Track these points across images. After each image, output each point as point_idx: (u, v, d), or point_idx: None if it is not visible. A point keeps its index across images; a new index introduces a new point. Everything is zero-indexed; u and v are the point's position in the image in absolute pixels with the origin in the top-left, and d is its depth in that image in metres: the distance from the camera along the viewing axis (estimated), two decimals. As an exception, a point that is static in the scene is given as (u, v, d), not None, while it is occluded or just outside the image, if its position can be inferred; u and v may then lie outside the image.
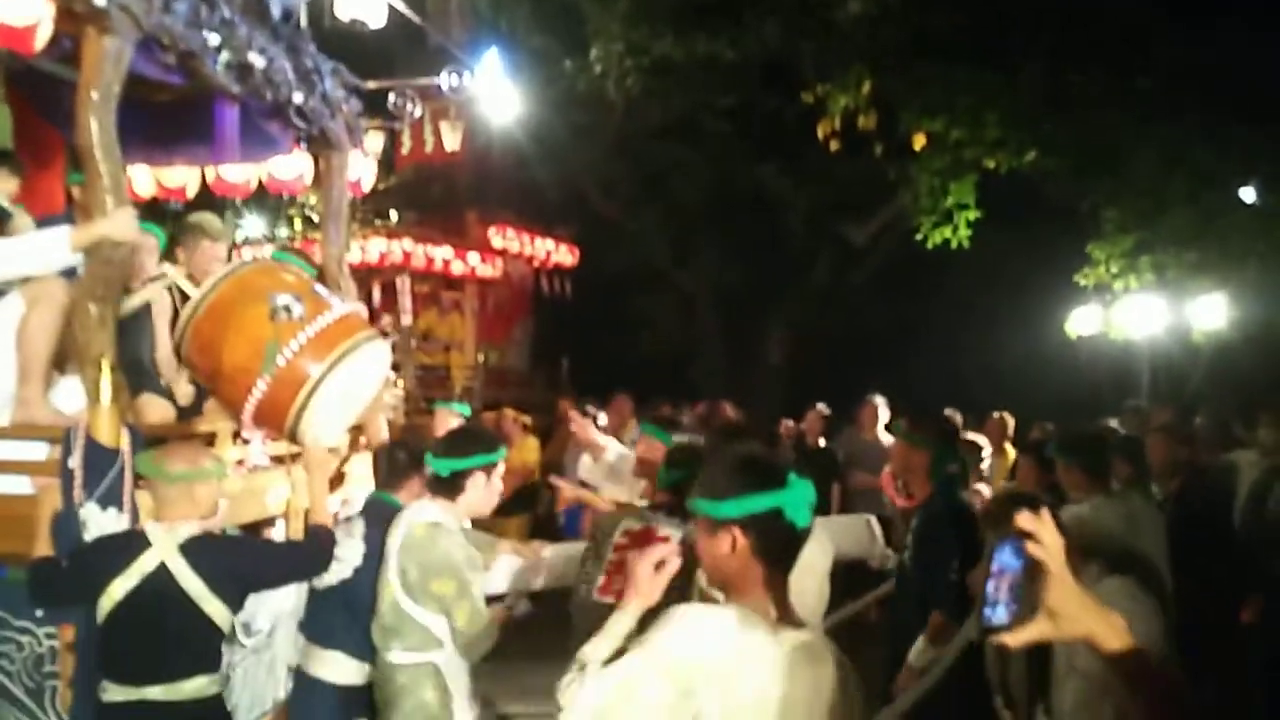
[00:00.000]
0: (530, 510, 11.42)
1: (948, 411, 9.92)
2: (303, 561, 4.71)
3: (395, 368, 7.25)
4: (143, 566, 3.96)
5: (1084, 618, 1.99)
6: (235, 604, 4.18)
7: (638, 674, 2.55)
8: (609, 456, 6.49)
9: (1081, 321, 17.49)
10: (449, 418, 8.47)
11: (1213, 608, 6.10)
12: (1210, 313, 15.45)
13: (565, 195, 20.15)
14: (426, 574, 4.43)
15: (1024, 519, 1.98)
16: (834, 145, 15.81)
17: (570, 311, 20.23)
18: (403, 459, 5.12)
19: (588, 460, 6.72)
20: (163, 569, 3.97)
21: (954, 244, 16.58)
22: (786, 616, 2.65)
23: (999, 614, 2.00)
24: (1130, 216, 15.42)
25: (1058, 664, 3.69)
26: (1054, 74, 15.49)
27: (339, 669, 4.89)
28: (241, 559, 4.32)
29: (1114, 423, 9.20)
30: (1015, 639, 2.01)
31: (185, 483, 4.13)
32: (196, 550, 4.04)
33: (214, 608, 4.05)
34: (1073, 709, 3.66)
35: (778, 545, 2.67)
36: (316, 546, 4.71)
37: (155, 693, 3.96)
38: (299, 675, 5.12)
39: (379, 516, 4.83)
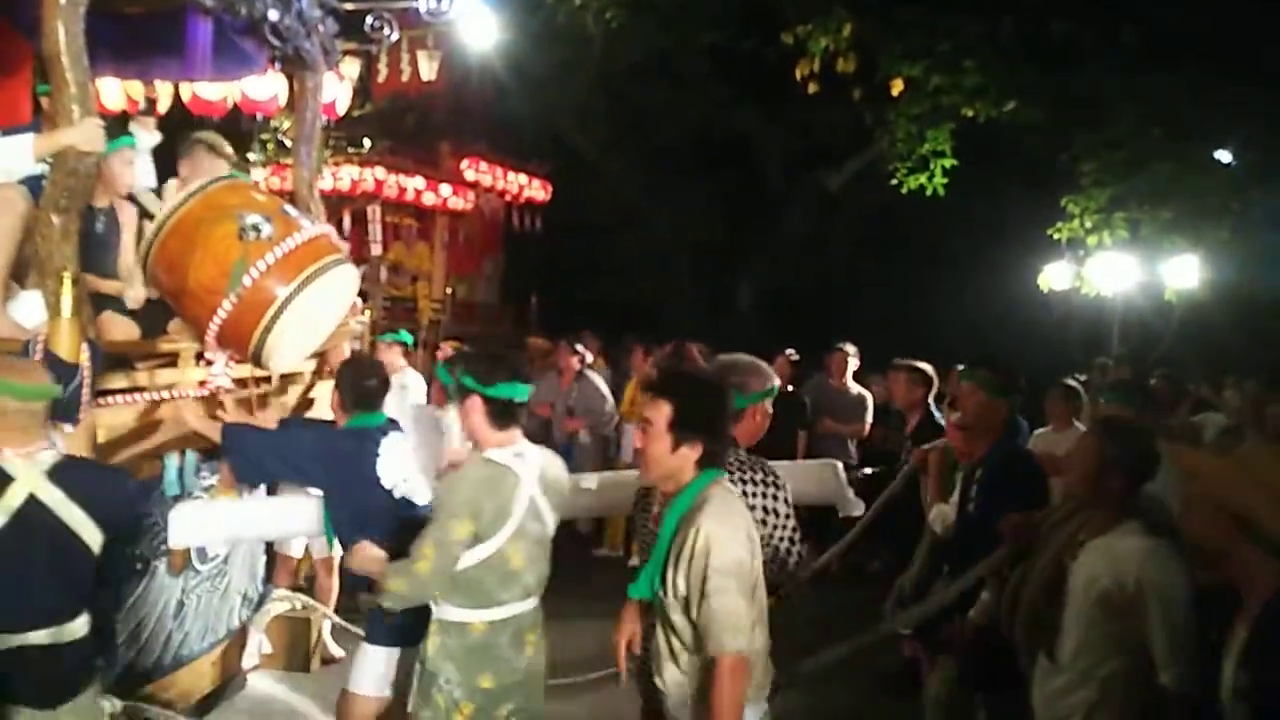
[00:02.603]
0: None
1: None
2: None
3: (363, 296, 7.15)
4: (8, 504, 3.47)
5: None
6: (110, 533, 3.69)
7: None
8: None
9: (1054, 276, 17.52)
10: (392, 349, 8.42)
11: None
12: (1183, 272, 15.46)
13: (541, 131, 19.91)
14: None
15: None
16: (812, 87, 15.66)
17: (542, 249, 20.06)
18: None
19: None
20: (33, 502, 3.50)
21: (929, 191, 16.57)
22: None
23: None
24: (1107, 171, 15.39)
25: (1067, 612, 3.72)
26: (1038, 22, 15.34)
27: None
28: (110, 486, 3.82)
29: (1080, 378, 9.20)
30: None
31: (40, 401, 3.63)
32: (68, 475, 3.58)
33: (92, 535, 3.59)
34: (1072, 656, 3.71)
35: None
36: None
37: (39, 637, 3.54)
38: None
39: None
